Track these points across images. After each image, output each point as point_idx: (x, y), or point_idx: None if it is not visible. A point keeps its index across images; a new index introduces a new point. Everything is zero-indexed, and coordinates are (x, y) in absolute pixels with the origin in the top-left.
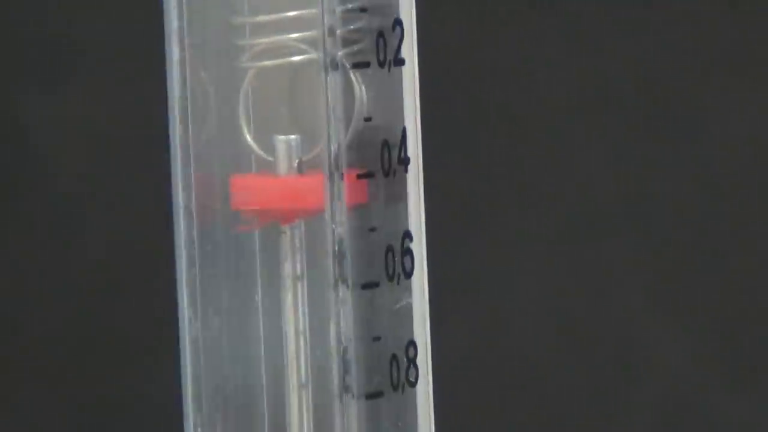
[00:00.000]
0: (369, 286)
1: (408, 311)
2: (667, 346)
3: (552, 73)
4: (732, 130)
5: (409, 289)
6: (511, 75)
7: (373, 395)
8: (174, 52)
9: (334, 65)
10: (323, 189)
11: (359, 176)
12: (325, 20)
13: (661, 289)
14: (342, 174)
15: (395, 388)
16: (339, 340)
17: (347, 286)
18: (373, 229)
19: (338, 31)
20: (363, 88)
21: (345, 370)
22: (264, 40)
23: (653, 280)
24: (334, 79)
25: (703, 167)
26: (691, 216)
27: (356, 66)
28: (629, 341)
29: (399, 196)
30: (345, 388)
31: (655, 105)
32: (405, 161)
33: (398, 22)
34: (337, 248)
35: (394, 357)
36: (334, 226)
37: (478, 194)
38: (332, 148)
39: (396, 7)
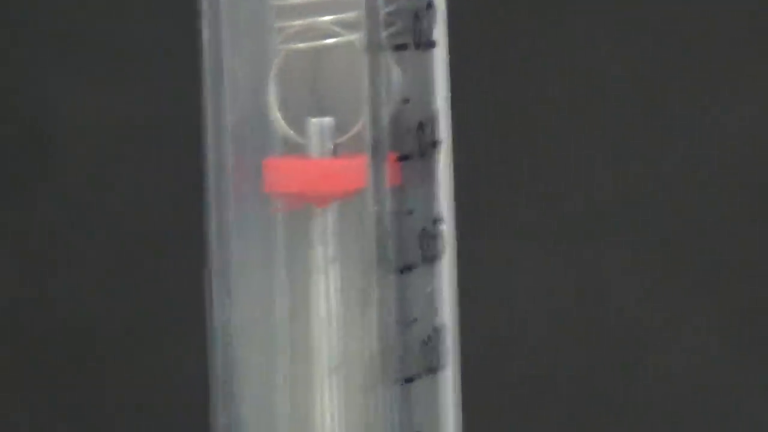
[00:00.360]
0: (407, 269)
1: (437, 295)
2: (674, 342)
3: (556, 70)
4: (732, 128)
5: (439, 273)
6: (516, 75)
7: (409, 379)
8: (206, 33)
9: (380, 47)
10: (365, 171)
11: (399, 158)
12: (370, 1)
13: (667, 287)
14: (385, 156)
15: (428, 371)
16: (381, 324)
17: (389, 269)
18: (410, 212)
19: (382, 13)
20: (399, 70)
21: (386, 353)
22: (299, 23)
23: (669, 277)
24: (379, 61)
25: (704, 164)
26: (692, 213)
27: (397, 48)
28: (633, 337)
29: (432, 178)
30: (386, 372)
31: (658, 103)
32: (436, 144)
33: (430, 4)
34: (380, 231)
35: (426, 340)
36: (377, 208)
37: (508, 177)
38: (375, 130)
39: None
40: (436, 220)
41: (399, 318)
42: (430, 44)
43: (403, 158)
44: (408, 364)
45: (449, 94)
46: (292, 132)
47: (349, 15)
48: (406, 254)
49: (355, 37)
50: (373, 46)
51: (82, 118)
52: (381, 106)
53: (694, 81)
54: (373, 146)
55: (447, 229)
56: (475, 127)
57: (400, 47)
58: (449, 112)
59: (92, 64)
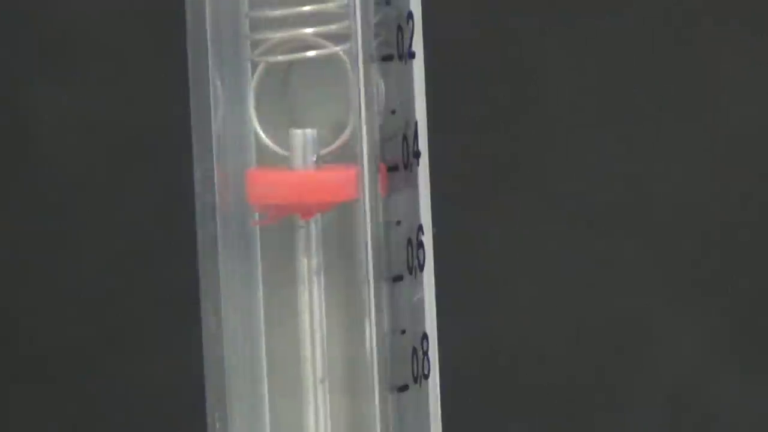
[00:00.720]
0: (397, 279)
1: (421, 304)
2: (680, 333)
3: (561, 63)
4: (748, 117)
5: (422, 282)
6: (520, 66)
7: (402, 388)
8: (189, 44)
9: (371, 58)
10: (353, 182)
11: (389, 169)
12: (362, 13)
13: (674, 276)
14: (378, 167)
15: (416, 380)
16: (375, 334)
17: (381, 280)
18: (399, 223)
19: (373, 24)
20: (382, 81)
21: (379, 364)
22: (280, 35)
23: (666, 269)
24: (370, 72)
25: (716, 154)
26: (703, 202)
27: (384, 59)
28: (642, 331)
29: (414, 188)
30: (379, 382)
31: (667, 95)
32: (417, 154)
33: (410, 15)
34: (374, 241)
35: (414, 350)
36: (370, 219)
37: (485, 186)
38: (368, 141)
39: None
40: (419, 230)
41: (392, 327)
42: (411, 55)
43: (392, 169)
44: (400, 373)
45: (426, 106)
46: (272, 144)
47: (334, 27)
48: (396, 264)
49: (340, 48)
50: (366, 58)
51: (64, 127)
52: (375, 117)
53: (706, 72)
54: (368, 157)
55: (427, 239)
56: (451, 136)
57: (386, 58)
58: (427, 123)
59: (77, 72)
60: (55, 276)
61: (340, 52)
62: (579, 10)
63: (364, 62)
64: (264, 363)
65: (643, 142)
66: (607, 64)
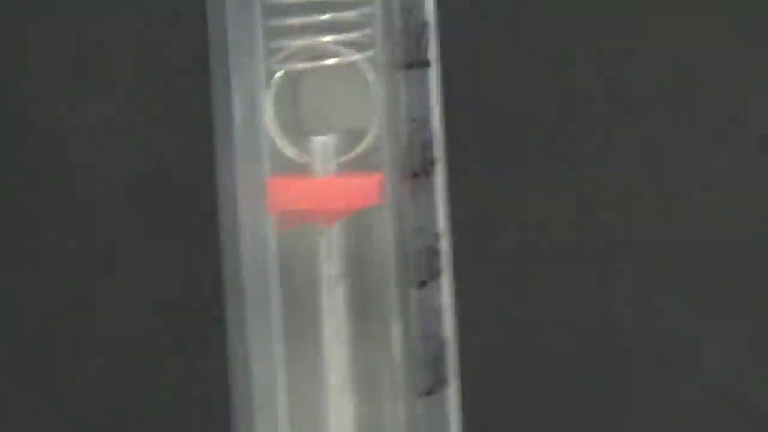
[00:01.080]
0: (421, 285)
1: (442, 310)
2: (705, 345)
3: (576, 72)
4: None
5: (442, 288)
6: (536, 74)
7: (428, 392)
8: (213, 50)
9: (396, 66)
10: (375, 189)
11: (414, 176)
12: (385, 20)
13: (698, 287)
14: (404, 174)
15: (439, 385)
16: (403, 340)
17: (408, 286)
18: (420, 229)
19: (397, 33)
20: (403, 89)
21: (407, 369)
22: (299, 43)
23: (690, 280)
24: (394, 79)
25: (736, 163)
26: (727, 213)
27: (408, 67)
28: (664, 343)
29: (433, 196)
30: (406, 387)
31: (686, 102)
32: (435, 161)
33: (426, 23)
34: (401, 247)
35: (437, 355)
36: (397, 225)
37: (499, 195)
38: (394, 147)
39: (424, 8)
40: (438, 237)
41: (417, 332)
42: (427, 63)
43: (414, 176)
44: (427, 378)
45: (442, 113)
46: (289, 150)
47: (354, 35)
48: (421, 270)
49: (360, 56)
50: (392, 65)
51: (87, 144)
52: (399, 124)
53: (730, 79)
54: (393, 163)
55: (444, 245)
56: (466, 143)
57: (408, 66)
58: (443, 130)
59: (103, 90)
60: (80, 293)
61: (361, 61)
62: (587, 18)
63: (388, 69)
64: (285, 371)
65: (665, 152)
66: (625, 70)
